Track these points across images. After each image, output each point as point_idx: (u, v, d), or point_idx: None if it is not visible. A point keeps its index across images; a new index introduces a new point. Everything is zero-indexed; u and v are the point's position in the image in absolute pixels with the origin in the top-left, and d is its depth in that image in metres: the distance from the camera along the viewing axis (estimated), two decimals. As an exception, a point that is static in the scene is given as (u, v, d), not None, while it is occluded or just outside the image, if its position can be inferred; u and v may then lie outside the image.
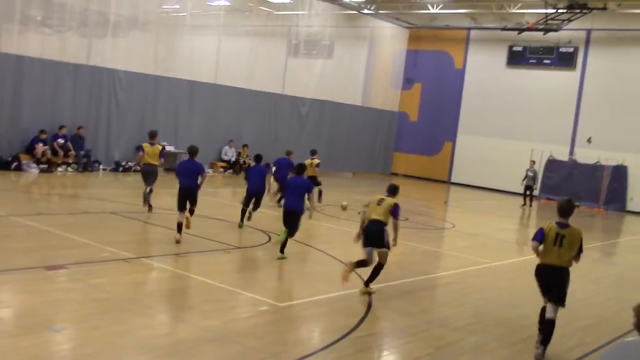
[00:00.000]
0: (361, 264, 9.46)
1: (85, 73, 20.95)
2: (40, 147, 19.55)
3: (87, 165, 20.80)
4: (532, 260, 14.56)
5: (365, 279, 9.51)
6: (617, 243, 17.77)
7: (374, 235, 9.39)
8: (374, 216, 9.42)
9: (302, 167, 12.42)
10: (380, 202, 9.56)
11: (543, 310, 7.73)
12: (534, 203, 26.24)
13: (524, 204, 25.43)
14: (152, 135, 14.82)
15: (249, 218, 14.03)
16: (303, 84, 28.35)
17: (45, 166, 19.68)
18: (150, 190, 14.26)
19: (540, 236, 7.57)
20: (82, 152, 20.70)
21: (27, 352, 6.07)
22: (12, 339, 6.44)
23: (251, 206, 14.13)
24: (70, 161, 20.44)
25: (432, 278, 11.62)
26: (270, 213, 16.39)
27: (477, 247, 15.53)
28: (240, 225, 13.92)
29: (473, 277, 11.81)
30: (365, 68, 31.65)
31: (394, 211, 9.44)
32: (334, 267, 11.30)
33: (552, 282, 7.63)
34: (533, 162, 26.48)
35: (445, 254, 14.67)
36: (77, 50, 21.00)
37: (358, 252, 13.13)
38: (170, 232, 12.45)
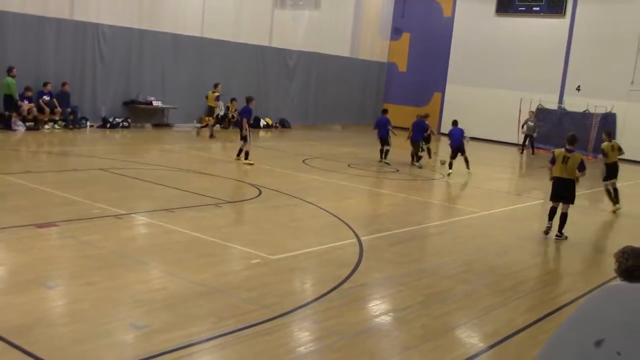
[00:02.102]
0: (553, 211, 11.39)
1: (68, 28, 20.60)
2: (26, 105, 19.34)
3: (74, 122, 20.61)
4: (521, 208, 14.73)
5: (558, 229, 11.21)
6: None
7: (562, 191, 11.18)
8: (562, 174, 11.13)
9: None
10: (565, 160, 11.06)
11: (552, 209, 11.36)
12: (526, 151, 26.46)
13: (522, 152, 26.39)
14: None
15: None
16: (290, 35, 28.02)
17: (32, 124, 19.49)
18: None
19: (552, 160, 11.29)
20: (68, 109, 20.49)
21: (22, 308, 6.11)
22: (6, 296, 6.48)
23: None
24: (57, 118, 20.26)
25: (423, 228, 11.72)
26: (262, 167, 16.39)
27: (468, 197, 15.64)
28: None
29: (463, 227, 11.91)
30: (353, 18, 31.26)
31: (581, 166, 11.06)
32: (325, 219, 11.36)
33: (562, 189, 11.16)
34: (532, 113, 26.98)
35: (436, 204, 14.76)
36: (60, 5, 20.59)
37: (348, 204, 13.21)
38: (160, 188, 12.45)
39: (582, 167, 11.04)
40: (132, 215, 10.19)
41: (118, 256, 8.00)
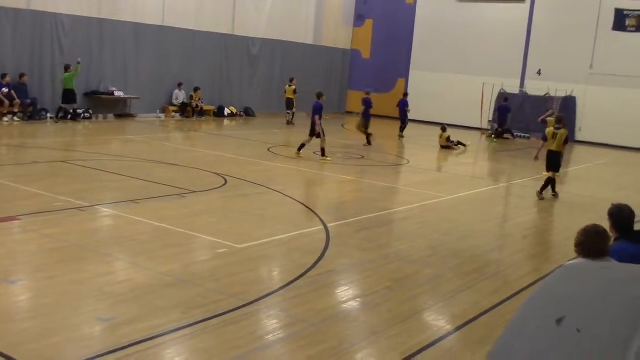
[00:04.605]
0: (548, 182, 14.03)
1: (25, 18, 20.13)
2: (-17, 97, 18.92)
3: (33, 114, 20.22)
4: (485, 192, 14.90)
5: (549, 190, 14.02)
6: (566, 173, 18.22)
7: (552, 161, 13.88)
8: (553, 147, 13.74)
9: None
10: (554, 135, 13.66)
11: (547, 179, 14.02)
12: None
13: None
14: None
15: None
16: (253, 23, 27.83)
17: (-10, 117, 19.08)
18: None
19: (544, 137, 14.15)
20: (28, 101, 20.09)
21: (-17, 305, 6.00)
22: (-34, 292, 6.35)
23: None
24: (16, 110, 19.84)
25: (388, 214, 11.79)
26: (227, 156, 16.30)
27: (432, 182, 15.77)
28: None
29: (428, 212, 12.02)
30: (315, 5, 31.16)
31: (565, 141, 13.77)
32: (291, 207, 11.36)
33: (553, 160, 13.88)
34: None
35: (401, 189, 14.86)
36: (16, -6, 20.12)
37: (314, 191, 13.22)
38: (124, 179, 12.31)
39: (566, 142, 13.82)
40: (96, 207, 10.06)
41: (82, 249, 7.90)
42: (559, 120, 14.18)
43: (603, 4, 26.96)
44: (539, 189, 14.08)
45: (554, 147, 13.79)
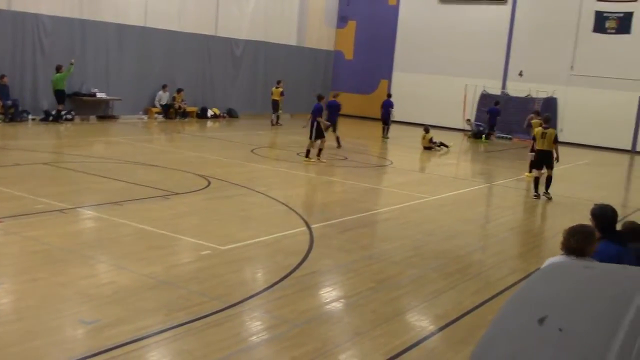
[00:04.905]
0: (537, 180, 14.32)
1: (6, 19, 19.96)
2: (-37, 99, 18.73)
3: (14, 115, 20.04)
4: (467, 192, 14.98)
5: (545, 189, 14.24)
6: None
7: (545, 160, 14.04)
8: (543, 147, 13.93)
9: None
10: (543, 135, 13.91)
11: (536, 179, 14.34)
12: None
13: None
14: None
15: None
16: (236, 24, 27.78)
17: (-30, 118, 18.89)
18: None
19: (533, 138, 14.65)
20: (9, 102, 19.91)
21: (-36, 308, 5.95)
22: (-53, 296, 6.29)
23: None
24: (-3, 112, 19.67)
25: (372, 215, 11.82)
26: (210, 158, 16.26)
27: (415, 183, 15.84)
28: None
29: (411, 212, 12.07)
30: (298, 6, 31.17)
31: (555, 139, 13.93)
32: (274, 208, 11.35)
33: (544, 158, 14.06)
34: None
35: (385, 190, 14.91)
36: (-4, -5, 19.95)
37: (298, 193, 13.23)
38: (107, 181, 12.24)
39: (555, 140, 13.97)
40: (78, 209, 10.00)
41: (64, 251, 7.85)
42: (546, 120, 14.45)
43: (583, 6, 27.24)
44: (544, 189, 14.25)
45: (545, 147, 14.01)
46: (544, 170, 14.28)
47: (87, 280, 6.95)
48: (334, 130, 20.30)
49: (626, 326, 2.20)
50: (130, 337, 5.61)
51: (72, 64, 20.66)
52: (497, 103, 27.22)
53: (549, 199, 14.16)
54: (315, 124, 16.83)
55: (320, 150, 16.93)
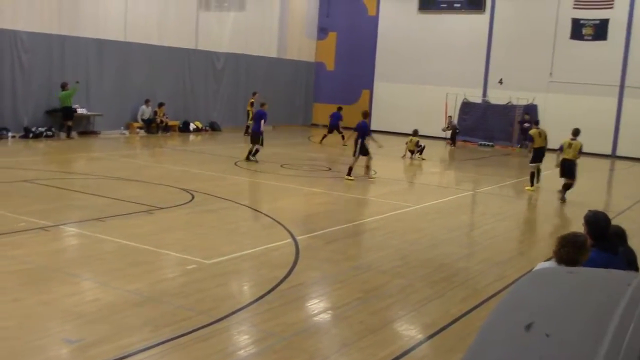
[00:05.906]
0: (566, 187, 14.93)
1: (-17, 36, 19.82)
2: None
3: (-6, 133, 19.87)
4: (451, 200, 15.03)
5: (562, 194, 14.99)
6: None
7: (568, 169, 14.81)
8: (568, 156, 14.74)
9: None
10: (569, 145, 14.79)
11: (564, 185, 14.96)
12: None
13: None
14: None
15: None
16: (216, 37, 27.78)
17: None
18: None
19: (560, 148, 15.06)
20: (-12, 120, 19.73)
21: (-55, 330, 5.85)
22: None
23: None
24: (-24, 130, 19.48)
25: (357, 225, 11.82)
26: (193, 172, 16.20)
27: (400, 192, 15.87)
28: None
29: (396, 221, 12.08)
30: (278, 19, 31.24)
31: (579, 151, 14.76)
32: (259, 221, 11.32)
33: (568, 168, 14.81)
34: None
35: (369, 200, 14.92)
36: (-27, 12, 19.79)
37: (283, 205, 13.21)
38: (89, 197, 12.14)
39: (579, 152, 14.83)
40: (60, 226, 9.90)
41: (47, 270, 7.75)
42: (575, 133, 15.17)
43: (560, 13, 27.55)
44: (561, 195, 15.05)
45: (569, 156, 14.79)
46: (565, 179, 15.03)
47: (70, 299, 6.87)
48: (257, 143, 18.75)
49: (612, 331, 2.21)
50: (116, 354, 5.55)
51: (77, 82, 21.22)
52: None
53: (564, 201, 14.93)
54: (360, 141, 16.56)
55: (367, 167, 16.91)
